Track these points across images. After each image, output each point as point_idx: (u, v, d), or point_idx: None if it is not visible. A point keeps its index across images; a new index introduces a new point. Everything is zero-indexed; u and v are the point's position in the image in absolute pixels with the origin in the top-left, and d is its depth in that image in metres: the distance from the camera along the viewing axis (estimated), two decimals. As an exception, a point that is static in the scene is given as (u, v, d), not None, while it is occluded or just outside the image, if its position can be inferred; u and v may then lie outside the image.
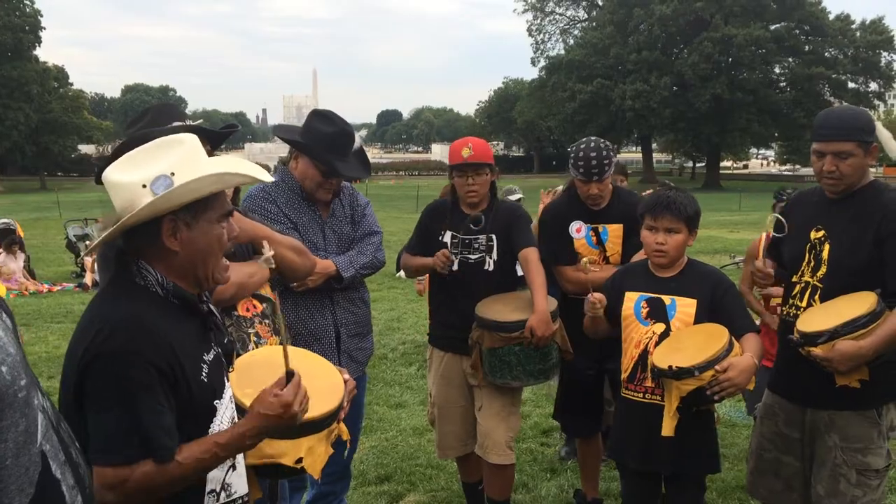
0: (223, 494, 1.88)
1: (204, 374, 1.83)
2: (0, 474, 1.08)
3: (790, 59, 53.07)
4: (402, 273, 4.34)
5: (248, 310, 2.66)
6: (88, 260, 12.65)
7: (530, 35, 61.35)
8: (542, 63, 58.52)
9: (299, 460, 2.10)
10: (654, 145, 64.28)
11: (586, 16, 61.78)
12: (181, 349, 1.76)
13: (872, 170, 3.02)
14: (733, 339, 2.91)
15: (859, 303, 2.77)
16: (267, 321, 2.69)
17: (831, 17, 52.10)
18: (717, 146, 54.43)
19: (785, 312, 3.09)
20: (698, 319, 3.04)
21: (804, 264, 3.00)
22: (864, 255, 2.84)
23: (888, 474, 3.01)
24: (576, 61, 52.86)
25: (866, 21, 52.43)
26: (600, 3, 58.86)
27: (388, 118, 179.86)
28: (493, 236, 3.70)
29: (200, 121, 2.65)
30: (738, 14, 50.41)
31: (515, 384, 3.61)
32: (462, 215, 3.76)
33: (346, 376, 2.34)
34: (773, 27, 51.32)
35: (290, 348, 2.53)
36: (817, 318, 2.84)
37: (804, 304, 2.97)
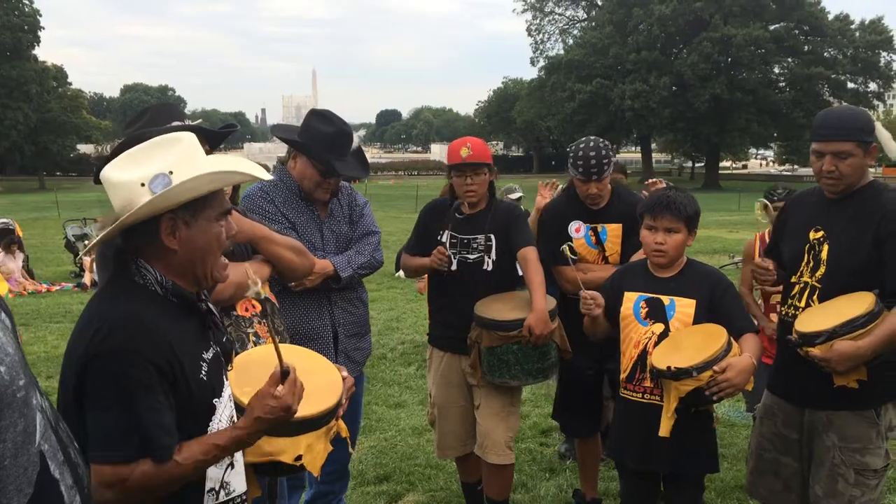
0: (222, 493, 1.88)
1: (203, 372, 1.83)
2: None
3: (789, 59, 53.07)
4: (401, 273, 4.34)
5: (246, 309, 2.66)
6: (87, 260, 12.65)
7: (529, 35, 61.40)
8: (542, 63, 58.55)
9: (298, 458, 2.10)
10: (653, 145, 64.28)
11: (585, 16, 61.79)
12: (180, 347, 1.76)
13: (871, 170, 3.01)
14: (732, 339, 2.91)
15: (858, 303, 2.77)
16: (266, 321, 2.69)
17: (830, 17, 52.09)
18: (717, 146, 54.43)
19: (784, 313, 3.09)
20: (697, 319, 3.04)
21: (803, 264, 3.00)
22: (862, 255, 2.84)
23: (887, 474, 3.01)
24: (575, 61, 52.86)
25: (865, 21, 52.43)
26: (599, 3, 58.86)
27: (388, 118, 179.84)
28: (492, 236, 3.70)
29: (199, 120, 2.65)
30: (737, 14, 50.41)
31: (514, 383, 3.61)
32: (462, 215, 3.76)
33: (345, 373, 2.35)
34: (772, 27, 51.33)
35: (289, 346, 2.55)
36: (816, 318, 2.84)
37: (803, 304, 2.98)
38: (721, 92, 48.85)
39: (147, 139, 1.87)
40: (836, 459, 2.90)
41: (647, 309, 3.12)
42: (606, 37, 52.56)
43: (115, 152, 2.04)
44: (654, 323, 3.09)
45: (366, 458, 4.99)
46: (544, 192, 4.65)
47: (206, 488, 1.84)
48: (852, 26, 52.05)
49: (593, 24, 57.81)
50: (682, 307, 3.07)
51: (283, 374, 1.82)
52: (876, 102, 53.88)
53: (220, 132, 2.63)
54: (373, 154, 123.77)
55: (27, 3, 54.12)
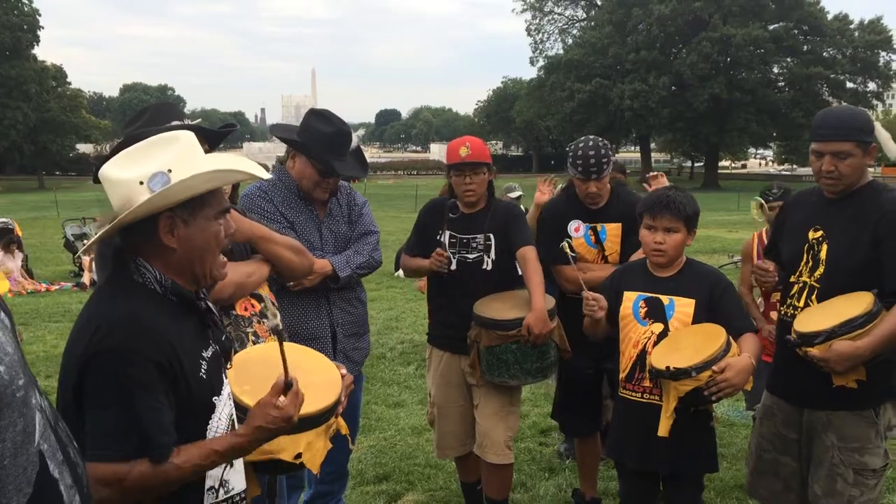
0: (221, 491, 1.88)
1: (203, 370, 1.83)
2: None
3: (788, 59, 53.11)
4: (400, 272, 4.35)
5: (246, 309, 2.66)
6: (86, 259, 12.64)
7: (529, 35, 61.46)
8: (541, 63, 58.62)
9: (298, 455, 2.10)
10: (652, 145, 64.31)
11: (585, 15, 61.82)
12: (180, 346, 1.77)
13: (870, 169, 3.01)
14: (731, 339, 2.91)
15: (856, 303, 2.77)
16: (265, 320, 2.69)
17: (830, 16, 52.14)
18: (716, 146, 54.47)
19: (783, 312, 3.09)
20: (696, 319, 3.04)
21: (802, 264, 3.01)
22: (861, 255, 2.84)
23: (886, 474, 3.01)
24: (574, 61, 52.90)
25: (864, 21, 52.51)
26: (599, 3, 58.88)
27: (387, 118, 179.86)
28: (491, 235, 3.70)
29: (199, 120, 2.65)
30: (736, 14, 50.45)
31: (513, 383, 3.61)
32: (460, 215, 3.76)
33: (343, 371, 2.35)
34: (771, 27, 51.37)
35: (287, 344, 2.54)
36: (814, 318, 2.84)
37: (801, 304, 2.98)
38: (720, 92, 48.89)
39: (146, 138, 1.87)
40: (834, 459, 2.90)
41: (646, 309, 3.12)
42: (606, 36, 52.59)
43: (115, 152, 2.04)
44: (653, 322, 3.09)
45: (365, 457, 4.99)
46: (543, 189, 4.65)
47: (206, 486, 1.84)
48: (851, 26, 52.11)
49: (592, 23, 57.85)
50: (682, 307, 3.07)
51: (287, 385, 1.84)
52: (875, 102, 53.94)
53: (219, 132, 2.63)
54: (372, 154, 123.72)
55: (26, 2, 54.10)
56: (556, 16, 62.56)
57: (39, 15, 54.76)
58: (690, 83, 49.76)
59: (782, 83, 53.99)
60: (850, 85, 52.77)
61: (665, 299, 3.10)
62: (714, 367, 2.79)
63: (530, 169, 69.49)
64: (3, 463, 1.07)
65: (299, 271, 3.03)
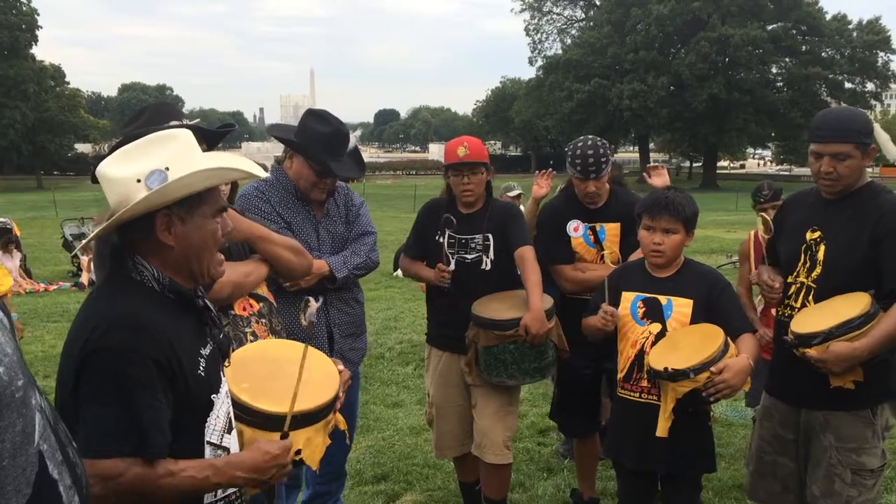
0: (220, 490, 1.88)
1: (201, 368, 1.83)
2: None
3: (787, 59, 53.14)
4: (399, 272, 4.35)
5: (244, 309, 2.65)
6: (85, 259, 12.64)
7: (528, 35, 61.42)
8: (540, 63, 58.59)
9: (297, 452, 2.11)
10: (651, 145, 64.33)
11: (584, 15, 61.84)
12: (178, 344, 1.77)
13: (868, 170, 3.02)
14: (729, 339, 2.91)
15: (853, 304, 2.77)
16: (263, 320, 2.69)
17: (828, 17, 52.19)
18: (714, 146, 54.50)
19: (780, 313, 3.10)
20: (695, 319, 3.04)
21: (800, 265, 3.01)
22: (859, 255, 2.84)
23: (884, 474, 3.01)
24: (573, 61, 52.90)
25: (863, 21, 52.56)
26: (598, 3, 58.89)
27: (386, 117, 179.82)
28: (490, 235, 3.70)
29: (197, 120, 2.65)
30: (735, 14, 50.48)
31: (511, 382, 3.61)
32: (459, 215, 3.76)
33: (341, 367, 2.36)
34: (770, 27, 51.41)
35: (285, 341, 2.55)
36: (812, 319, 2.85)
37: (799, 304, 2.98)
38: (719, 92, 48.92)
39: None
40: (832, 459, 2.90)
41: (644, 309, 3.12)
42: (604, 36, 52.61)
43: (113, 151, 2.04)
44: (651, 323, 3.10)
45: (363, 457, 4.99)
46: (541, 182, 4.65)
47: (204, 493, 1.84)
48: (850, 26, 52.16)
49: (591, 23, 57.87)
50: (680, 307, 3.07)
51: (283, 435, 1.97)
52: (873, 102, 53.96)
53: (217, 131, 2.63)
54: (371, 153, 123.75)
55: (24, 1, 54.03)
56: (554, 16, 62.61)
57: (38, 14, 54.68)
58: (689, 83, 49.77)
59: (781, 83, 54.02)
60: (848, 85, 52.81)
61: (663, 299, 3.10)
62: (712, 369, 2.79)
63: (529, 169, 69.41)
64: (2, 464, 1.07)
65: (298, 271, 3.02)
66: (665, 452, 3.00)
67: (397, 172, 72.21)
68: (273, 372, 2.21)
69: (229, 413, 1.94)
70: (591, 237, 3.90)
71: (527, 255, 3.58)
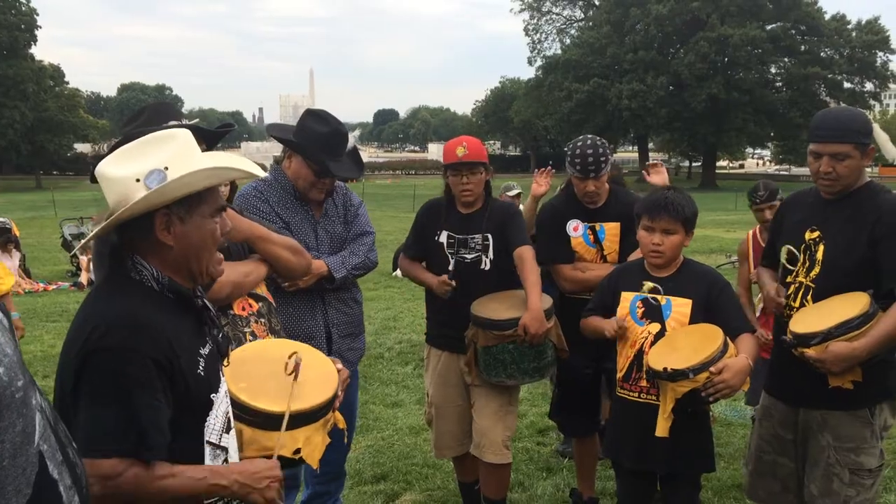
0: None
1: (200, 367, 1.83)
2: None
3: (786, 59, 53.18)
4: (398, 272, 4.35)
5: (243, 309, 2.65)
6: (84, 259, 12.64)
7: (527, 35, 61.44)
8: (539, 62, 58.62)
9: (297, 451, 2.11)
10: (650, 145, 64.35)
11: (583, 15, 61.85)
12: (178, 343, 1.77)
13: (867, 170, 3.02)
14: (728, 339, 2.91)
15: (852, 304, 2.77)
16: (263, 320, 2.69)
17: (827, 17, 52.22)
18: (713, 146, 54.52)
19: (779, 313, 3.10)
20: (693, 319, 3.04)
21: (799, 265, 3.01)
22: (858, 255, 2.84)
23: (883, 473, 3.01)
24: (572, 61, 52.92)
25: (862, 21, 52.60)
26: (597, 3, 58.91)
27: (385, 117, 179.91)
28: (489, 235, 3.70)
29: (197, 120, 2.65)
30: (734, 14, 50.50)
31: (510, 382, 3.61)
32: (458, 214, 3.76)
33: (339, 365, 2.36)
34: (769, 27, 51.45)
35: (283, 341, 2.55)
36: (810, 318, 2.85)
37: (797, 304, 2.98)
38: (718, 92, 48.95)
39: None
40: (830, 459, 2.90)
41: (643, 309, 3.12)
42: (604, 36, 52.62)
43: (112, 151, 2.04)
44: (650, 323, 3.10)
45: (363, 457, 4.99)
46: (540, 180, 4.65)
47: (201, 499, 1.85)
48: (849, 26, 52.19)
49: (590, 23, 57.87)
50: (679, 307, 3.07)
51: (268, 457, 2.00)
52: (872, 102, 54.01)
53: (217, 131, 2.63)
54: (370, 153, 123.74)
55: (24, 1, 54.02)
56: (554, 16, 62.64)
57: (37, 14, 54.68)
58: (688, 83, 49.80)
59: (780, 83, 54.05)
60: (847, 85, 52.84)
61: (662, 299, 3.10)
62: (712, 369, 2.79)
63: (528, 169, 69.42)
64: (2, 464, 1.07)
65: (297, 271, 3.02)
66: (664, 452, 3.00)
67: (396, 172, 72.23)
68: (271, 371, 2.21)
69: (228, 413, 1.94)
70: (591, 237, 3.90)
71: (525, 255, 3.58)
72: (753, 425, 3.39)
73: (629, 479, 3.27)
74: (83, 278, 12.59)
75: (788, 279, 3.05)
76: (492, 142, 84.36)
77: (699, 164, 60.72)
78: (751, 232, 4.89)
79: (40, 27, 55.09)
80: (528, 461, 4.91)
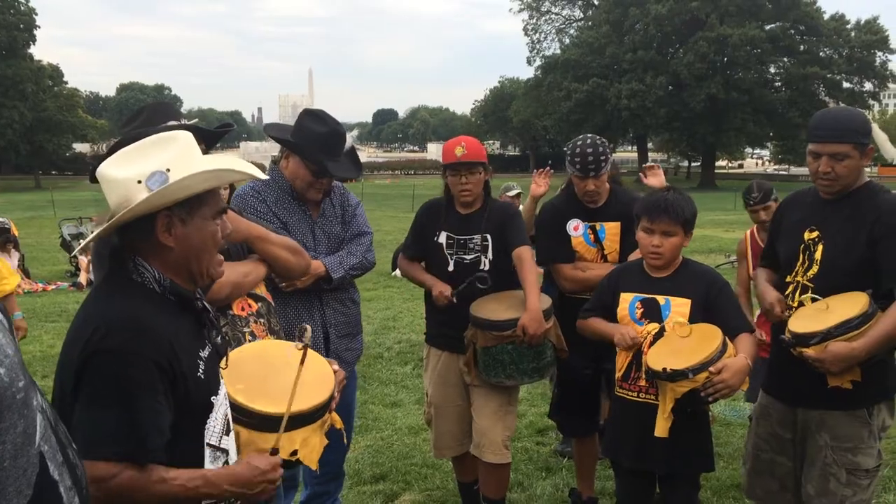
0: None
1: (201, 370, 1.83)
2: None
3: (785, 59, 53.20)
4: (397, 272, 4.36)
5: (243, 309, 2.65)
6: (84, 259, 12.63)
7: (526, 34, 61.42)
8: (538, 62, 58.63)
9: (294, 452, 2.11)
10: (649, 144, 64.37)
11: (582, 15, 61.86)
12: (179, 346, 1.77)
13: (866, 169, 3.02)
14: (727, 339, 2.91)
15: (852, 304, 2.77)
16: (262, 320, 2.69)
17: (826, 16, 52.25)
18: (713, 145, 54.53)
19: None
20: (693, 319, 3.04)
21: (798, 265, 3.01)
22: (857, 255, 2.84)
23: (882, 473, 3.01)
24: (571, 61, 52.93)
25: (861, 21, 52.64)
26: (596, 3, 58.91)
27: (384, 117, 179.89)
28: (488, 236, 3.70)
29: (196, 120, 2.65)
30: (733, 14, 50.52)
31: (509, 383, 3.62)
32: (457, 215, 3.76)
33: (336, 367, 2.36)
34: (768, 27, 51.47)
35: (280, 342, 2.55)
36: (809, 318, 2.85)
37: (796, 304, 2.98)
38: (717, 91, 48.97)
39: (144, 138, 1.87)
40: (827, 459, 2.90)
41: (642, 309, 3.12)
42: (603, 36, 52.64)
43: (111, 151, 2.04)
44: (649, 323, 3.10)
45: (362, 457, 4.99)
46: (539, 181, 4.65)
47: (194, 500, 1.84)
48: (848, 26, 52.22)
49: (590, 23, 57.88)
50: (678, 307, 3.07)
51: (272, 451, 1.99)
52: (871, 102, 54.05)
53: (216, 131, 2.63)
54: (369, 153, 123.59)
55: (23, 1, 54.00)
56: (553, 15, 62.63)
57: (36, 14, 54.67)
58: (687, 83, 49.82)
59: (779, 83, 54.07)
60: (846, 85, 52.87)
61: (661, 299, 3.10)
62: (711, 369, 2.79)
63: (527, 169, 69.42)
64: (3, 465, 1.07)
65: (296, 271, 3.02)
66: (663, 452, 3.00)
67: (396, 172, 72.19)
68: (269, 373, 2.21)
69: (228, 415, 1.94)
70: (591, 236, 3.90)
71: (524, 256, 3.58)
72: (751, 424, 3.39)
73: (628, 479, 3.27)
74: (82, 278, 12.59)
75: (787, 279, 3.05)
76: (491, 142, 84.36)
77: (698, 163, 60.73)
78: (748, 231, 4.89)
79: (39, 27, 55.09)
80: (528, 461, 4.91)
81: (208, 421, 1.84)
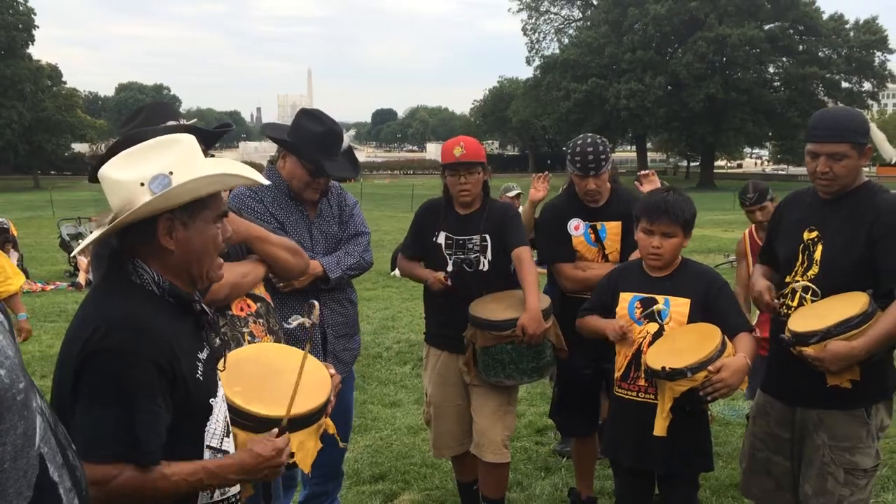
0: (217, 492, 1.88)
1: (199, 372, 1.83)
2: None
3: (784, 59, 53.24)
4: (397, 272, 4.36)
5: (242, 309, 2.65)
6: (84, 260, 12.62)
7: (525, 34, 61.43)
8: (537, 62, 58.64)
9: (290, 455, 2.11)
10: (648, 144, 64.38)
11: (581, 15, 61.88)
12: (178, 347, 1.77)
13: (865, 169, 3.02)
14: (726, 339, 2.92)
15: (851, 303, 2.77)
16: (261, 320, 2.69)
17: (825, 16, 52.27)
18: (712, 145, 54.55)
19: (777, 312, 3.10)
20: (692, 319, 3.05)
21: (797, 265, 3.01)
22: (856, 255, 2.84)
23: (881, 473, 3.02)
24: (570, 60, 52.95)
25: (860, 21, 52.66)
26: (595, 3, 58.93)
27: (383, 117, 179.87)
28: (487, 236, 3.70)
29: (194, 120, 2.65)
30: (732, 14, 50.54)
31: (509, 382, 3.62)
32: (456, 215, 3.76)
33: (332, 371, 2.36)
34: (767, 27, 51.50)
35: (277, 345, 2.55)
36: (809, 317, 2.85)
37: (795, 303, 2.98)
38: (716, 91, 49.00)
39: (142, 138, 1.87)
40: (825, 458, 2.90)
41: (641, 309, 3.13)
42: (602, 36, 52.66)
43: (111, 151, 2.03)
44: (648, 322, 3.10)
45: (361, 457, 4.99)
46: (538, 186, 4.65)
47: (196, 493, 1.85)
48: (847, 26, 52.25)
49: (588, 23, 57.90)
50: (677, 306, 3.08)
51: (282, 429, 1.97)
52: (870, 102, 54.09)
53: (214, 132, 2.63)
54: (368, 153, 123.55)
55: (21, 1, 53.98)
56: (552, 15, 62.65)
57: (35, 14, 54.65)
58: (686, 83, 49.84)
59: (778, 83, 54.10)
60: (845, 85, 52.90)
61: (660, 299, 3.11)
62: (710, 368, 2.80)
63: (526, 168, 69.45)
64: (3, 466, 1.07)
65: (295, 271, 3.02)
66: (662, 451, 3.00)
67: (395, 172, 72.19)
68: (267, 376, 2.21)
69: (226, 417, 1.94)
70: (592, 236, 3.90)
71: (524, 256, 3.58)
72: (748, 423, 3.39)
73: (627, 479, 3.27)
74: (81, 278, 12.58)
75: (787, 279, 3.05)
76: (490, 141, 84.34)
77: (697, 163, 60.74)
78: (747, 231, 4.89)
79: (38, 27, 55.09)
80: (527, 461, 4.91)
81: (208, 423, 1.84)
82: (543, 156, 72.79)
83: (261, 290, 2.79)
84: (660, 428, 2.92)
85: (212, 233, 1.85)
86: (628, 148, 79.57)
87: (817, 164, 2.87)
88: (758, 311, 4.61)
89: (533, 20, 61.52)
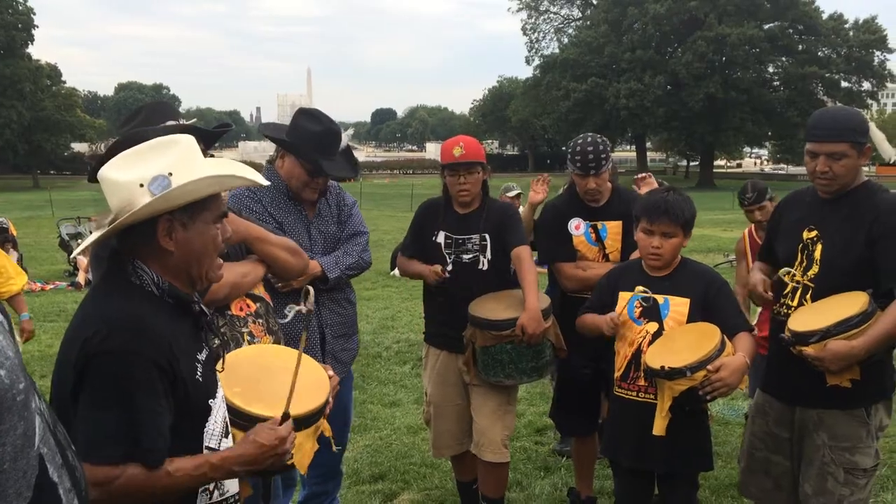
0: (216, 493, 1.89)
1: (199, 373, 1.83)
2: None
3: (784, 59, 53.28)
4: (396, 272, 4.36)
5: (241, 309, 2.65)
6: (83, 259, 12.61)
7: (525, 34, 61.47)
8: (537, 62, 58.71)
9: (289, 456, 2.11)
10: (648, 144, 64.42)
11: (580, 14, 61.92)
12: (178, 348, 1.76)
13: (865, 168, 3.02)
14: (725, 338, 2.92)
15: (851, 302, 2.77)
16: (260, 320, 2.69)
17: (825, 16, 52.32)
18: (711, 145, 54.60)
19: (776, 311, 3.10)
20: (691, 318, 3.05)
21: (797, 264, 3.01)
22: (855, 254, 2.84)
23: (880, 472, 3.02)
24: (570, 60, 52.98)
25: (859, 20, 52.72)
26: (594, 2, 58.97)
27: (383, 117, 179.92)
28: (487, 236, 3.70)
29: (194, 120, 2.65)
30: (731, 13, 50.58)
31: (508, 382, 3.62)
32: (455, 215, 3.76)
33: (330, 372, 2.36)
34: (766, 26, 51.54)
35: (276, 346, 2.55)
36: (808, 317, 2.85)
37: (795, 303, 2.98)
38: (715, 91, 49.03)
39: (141, 138, 1.87)
40: (825, 458, 2.90)
41: (641, 308, 3.13)
42: (601, 36, 52.69)
43: (110, 151, 2.03)
44: (648, 322, 3.10)
45: (361, 456, 4.99)
46: (537, 188, 4.66)
47: (200, 488, 1.84)
48: (846, 25, 52.30)
49: (588, 23, 57.94)
50: (676, 306, 3.08)
51: (284, 416, 1.94)
52: (869, 101, 54.11)
53: (214, 131, 2.63)
54: (368, 153, 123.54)
55: (21, 1, 53.98)
56: (551, 15, 62.69)
57: (34, 14, 54.68)
58: (686, 82, 49.87)
59: (777, 82, 54.14)
60: (844, 84, 52.96)
61: (660, 298, 3.11)
62: (709, 367, 2.80)
63: (526, 168, 69.54)
64: (3, 467, 1.07)
65: (295, 271, 3.01)
66: (662, 451, 3.01)
67: (394, 171, 72.17)
68: (266, 377, 2.21)
69: (225, 418, 1.94)
70: (593, 235, 3.90)
71: (523, 255, 3.58)
72: (747, 422, 3.39)
73: (627, 479, 3.28)
74: (80, 278, 12.58)
75: (787, 279, 3.05)
76: (489, 141, 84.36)
77: (697, 163, 60.76)
78: (747, 230, 4.90)
79: (37, 27, 55.13)
80: (526, 460, 4.91)
81: (207, 424, 1.84)
82: (543, 155, 72.88)
83: (260, 290, 2.79)
84: (659, 427, 2.92)
85: (211, 234, 1.84)
86: (628, 147, 79.64)
87: (817, 163, 2.87)
88: (758, 311, 4.62)
89: (532, 20, 61.61)
